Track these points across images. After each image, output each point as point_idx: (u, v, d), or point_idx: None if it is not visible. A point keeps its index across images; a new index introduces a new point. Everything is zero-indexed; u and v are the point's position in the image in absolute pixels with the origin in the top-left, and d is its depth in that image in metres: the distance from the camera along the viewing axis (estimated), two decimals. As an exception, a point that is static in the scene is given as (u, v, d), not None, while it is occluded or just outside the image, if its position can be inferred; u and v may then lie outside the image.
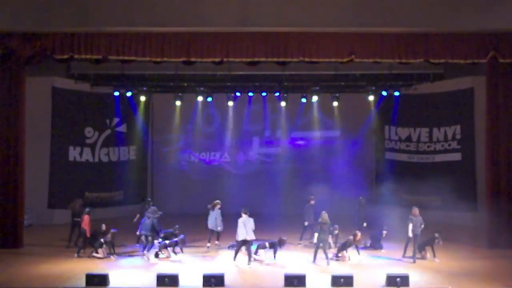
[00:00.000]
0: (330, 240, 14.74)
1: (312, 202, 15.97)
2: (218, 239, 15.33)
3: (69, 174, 19.67)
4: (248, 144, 22.43)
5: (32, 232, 16.94)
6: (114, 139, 21.18)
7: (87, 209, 14.80)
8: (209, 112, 21.79)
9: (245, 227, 13.60)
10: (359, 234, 14.37)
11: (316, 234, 13.94)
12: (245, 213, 13.78)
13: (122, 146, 21.41)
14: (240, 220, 13.74)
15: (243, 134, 22.25)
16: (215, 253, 14.85)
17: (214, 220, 15.12)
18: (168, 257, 14.27)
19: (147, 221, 14.49)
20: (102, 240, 14.22)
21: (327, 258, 13.59)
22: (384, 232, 15.13)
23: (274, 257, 13.99)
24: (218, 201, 15.41)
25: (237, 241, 13.85)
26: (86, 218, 14.50)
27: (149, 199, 16.50)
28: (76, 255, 14.22)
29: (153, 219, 14.53)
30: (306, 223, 15.74)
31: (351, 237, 14.20)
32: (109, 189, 20.77)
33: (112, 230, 14.32)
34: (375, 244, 15.26)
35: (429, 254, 14.22)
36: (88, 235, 14.39)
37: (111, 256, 14.18)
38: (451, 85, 19.41)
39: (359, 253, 14.36)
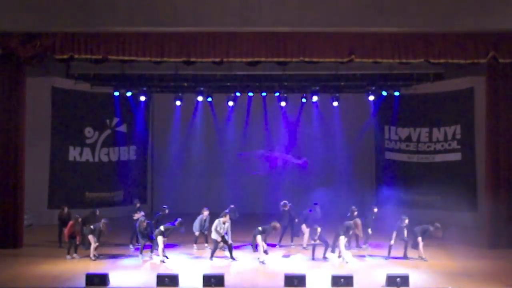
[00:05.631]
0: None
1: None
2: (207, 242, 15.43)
3: (69, 174, 19.68)
4: (248, 145, 22.41)
5: (32, 232, 16.94)
6: (114, 139, 21.19)
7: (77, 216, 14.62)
8: (210, 112, 21.79)
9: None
10: (358, 221, 14.31)
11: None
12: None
13: (122, 146, 21.42)
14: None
15: (244, 135, 22.24)
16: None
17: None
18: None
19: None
20: (92, 226, 14.14)
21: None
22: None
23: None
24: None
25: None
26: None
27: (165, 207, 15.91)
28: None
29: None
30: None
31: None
32: (109, 189, 20.77)
33: (103, 220, 14.20)
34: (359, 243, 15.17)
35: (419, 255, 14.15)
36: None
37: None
38: (451, 85, 19.38)
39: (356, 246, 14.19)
